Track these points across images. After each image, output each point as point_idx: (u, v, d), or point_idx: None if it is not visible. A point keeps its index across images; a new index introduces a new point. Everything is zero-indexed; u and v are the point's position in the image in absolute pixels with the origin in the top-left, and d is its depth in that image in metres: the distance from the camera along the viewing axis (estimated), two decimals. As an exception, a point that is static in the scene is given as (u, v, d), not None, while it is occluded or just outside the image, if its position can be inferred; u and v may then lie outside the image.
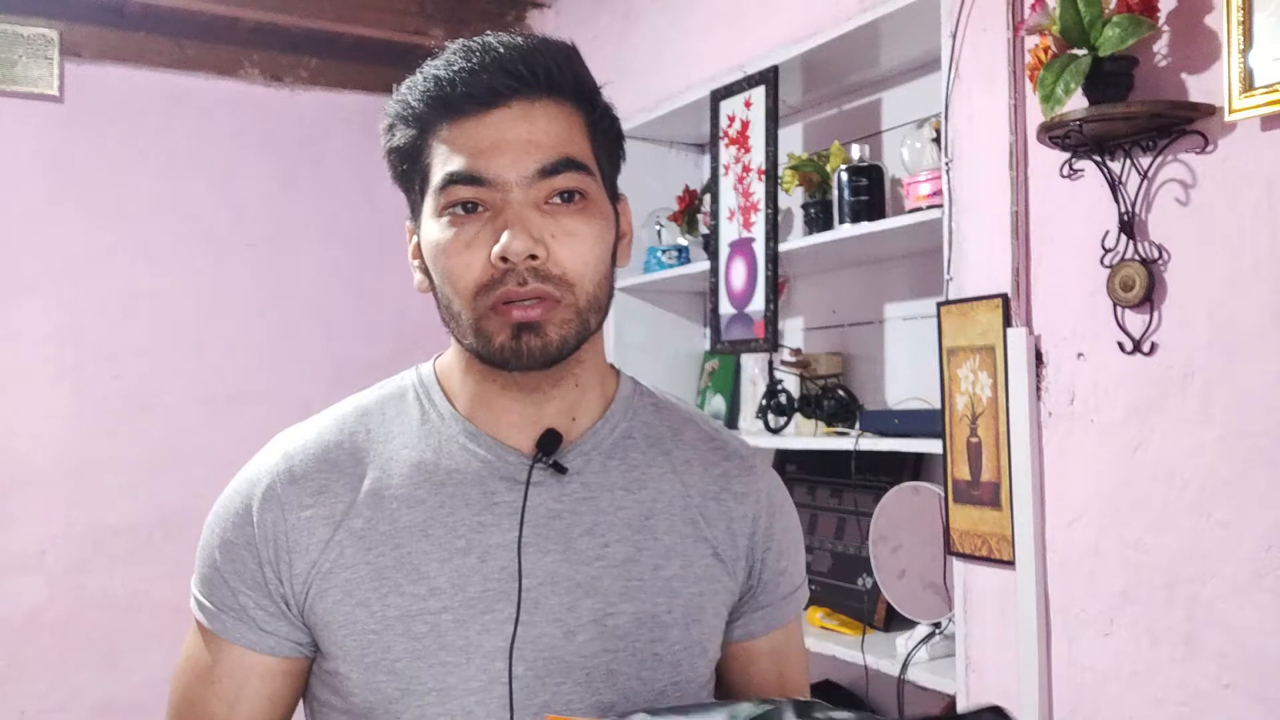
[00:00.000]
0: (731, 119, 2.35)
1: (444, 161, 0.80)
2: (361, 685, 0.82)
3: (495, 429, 0.87)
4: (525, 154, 0.79)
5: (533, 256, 0.78)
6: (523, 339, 0.79)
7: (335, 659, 0.83)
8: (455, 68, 0.80)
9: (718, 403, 2.75)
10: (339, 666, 0.83)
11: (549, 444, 0.86)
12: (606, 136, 0.86)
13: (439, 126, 0.81)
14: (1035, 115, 1.63)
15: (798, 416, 2.33)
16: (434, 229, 0.81)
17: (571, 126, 0.82)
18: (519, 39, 0.81)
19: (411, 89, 0.82)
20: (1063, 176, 1.62)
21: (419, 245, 0.86)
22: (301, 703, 0.91)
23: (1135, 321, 1.54)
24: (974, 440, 1.76)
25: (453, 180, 0.79)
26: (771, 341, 2.21)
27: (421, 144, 0.82)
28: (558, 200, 0.80)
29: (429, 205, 0.82)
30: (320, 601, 0.83)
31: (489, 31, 0.84)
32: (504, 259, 0.77)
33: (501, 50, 0.80)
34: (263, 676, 0.85)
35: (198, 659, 0.87)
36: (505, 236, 0.77)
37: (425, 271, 0.86)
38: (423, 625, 0.81)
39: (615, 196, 0.89)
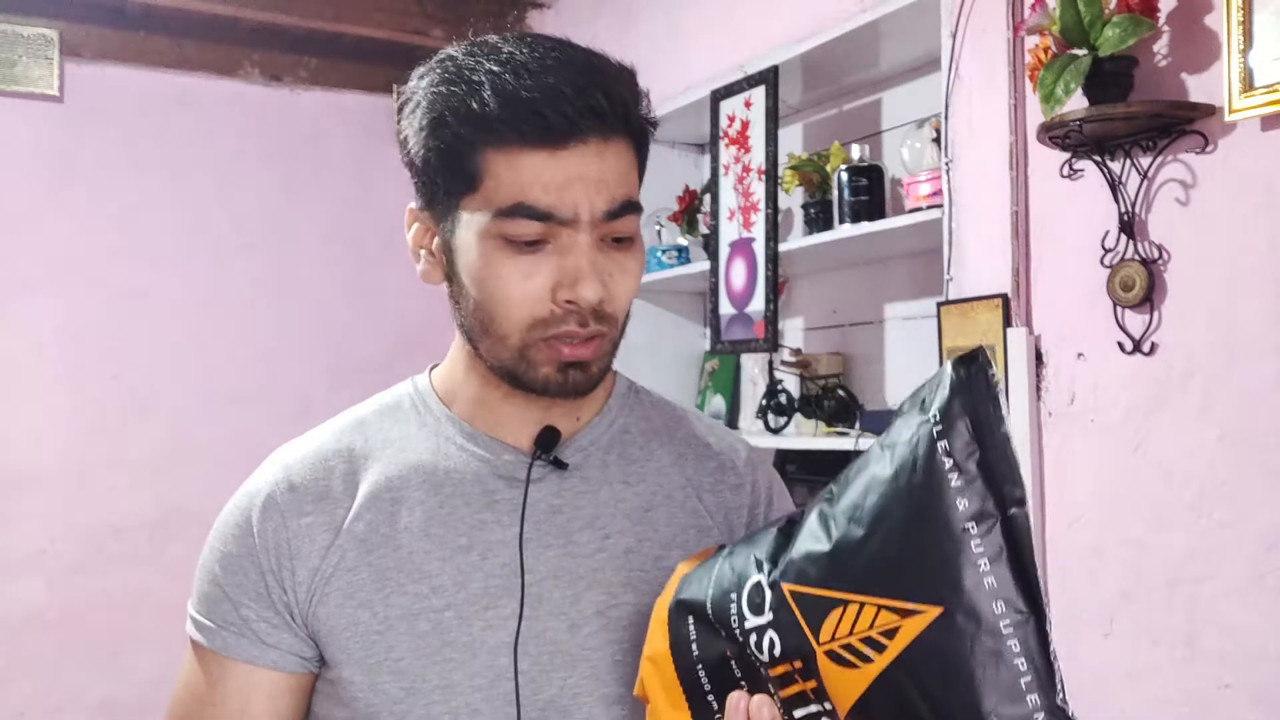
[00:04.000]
0: (731, 119, 2.35)
1: (509, 186, 0.76)
2: (365, 688, 0.81)
3: (494, 430, 0.87)
4: (597, 194, 0.77)
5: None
6: (569, 374, 0.80)
7: (339, 665, 0.82)
8: (533, 90, 0.75)
9: (718, 403, 2.75)
10: (342, 672, 0.82)
11: (548, 441, 0.86)
12: (645, 165, 0.86)
13: (504, 144, 0.76)
14: (1035, 115, 1.63)
15: (798, 416, 2.33)
16: (482, 248, 0.78)
17: (630, 165, 0.81)
18: (593, 59, 0.79)
19: (473, 92, 0.76)
20: (1063, 176, 1.62)
21: (428, 235, 0.84)
22: None
23: (1135, 321, 1.54)
24: (974, 440, 1.76)
25: (523, 213, 0.76)
26: (771, 341, 2.21)
27: (474, 151, 0.77)
28: (611, 240, 0.80)
29: (477, 219, 0.78)
30: (323, 606, 0.82)
31: (553, 39, 0.79)
32: (570, 301, 0.78)
33: (581, 78, 0.76)
34: (269, 695, 0.83)
35: (196, 683, 0.85)
36: (581, 284, 0.77)
37: (438, 266, 0.84)
38: (425, 623, 0.81)
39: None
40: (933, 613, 0.61)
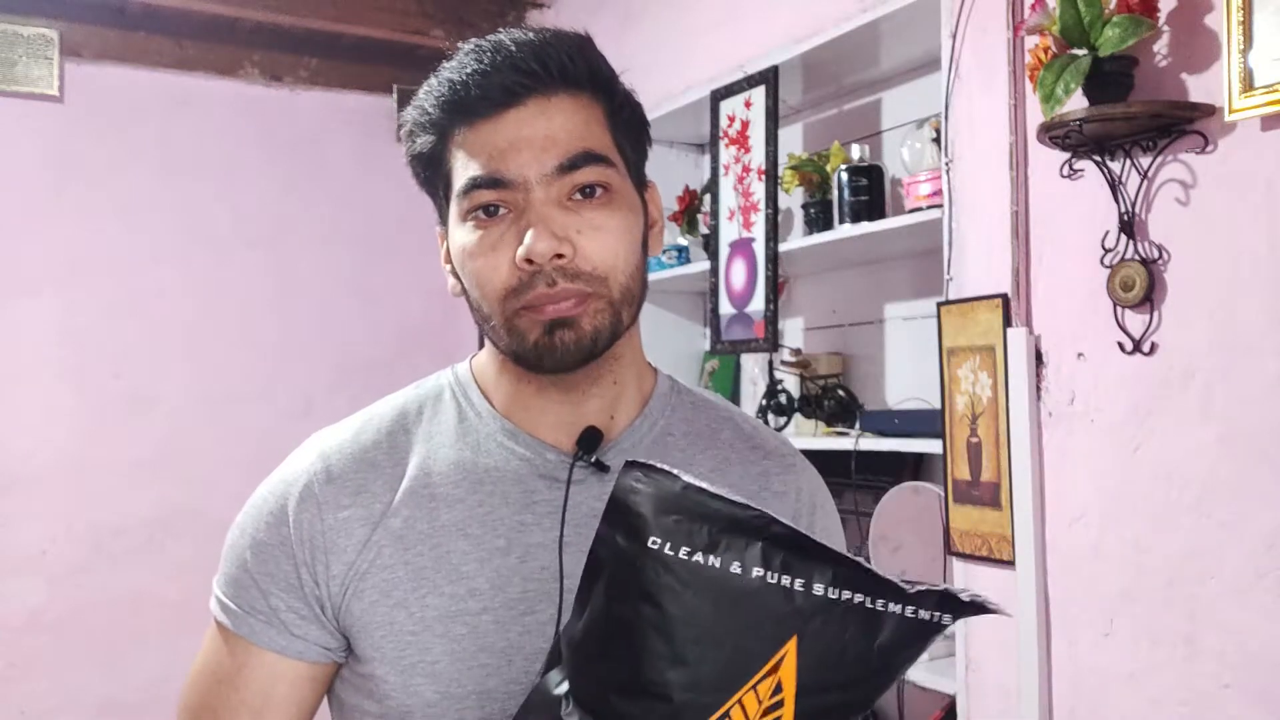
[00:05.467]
0: (731, 119, 2.35)
1: (464, 166, 0.79)
2: (399, 688, 0.80)
3: (534, 428, 0.85)
4: (543, 151, 0.78)
5: (559, 255, 0.77)
6: (556, 334, 0.78)
7: (371, 661, 0.81)
8: (468, 70, 0.79)
9: (718, 403, 2.74)
10: (375, 669, 0.81)
11: (590, 442, 0.84)
12: (628, 124, 0.85)
13: (456, 131, 0.80)
14: (1035, 115, 1.63)
15: (798, 416, 2.33)
16: (460, 234, 0.81)
17: (590, 119, 0.81)
18: (530, 34, 0.80)
19: (428, 94, 0.81)
20: (1063, 176, 1.62)
21: (445, 248, 0.85)
22: (327, 704, 0.89)
23: (1135, 321, 1.54)
24: (974, 440, 1.76)
25: (474, 185, 0.79)
26: (771, 341, 2.21)
27: (441, 150, 0.82)
28: (580, 196, 0.79)
29: (455, 210, 0.81)
30: (357, 602, 0.81)
31: (502, 29, 0.82)
32: (529, 261, 0.76)
33: (513, 48, 0.79)
34: (292, 683, 0.83)
35: (218, 664, 0.85)
36: (529, 238, 0.76)
37: (457, 276, 0.85)
38: (462, 626, 0.80)
39: (642, 184, 0.87)
40: (791, 646, 0.62)
